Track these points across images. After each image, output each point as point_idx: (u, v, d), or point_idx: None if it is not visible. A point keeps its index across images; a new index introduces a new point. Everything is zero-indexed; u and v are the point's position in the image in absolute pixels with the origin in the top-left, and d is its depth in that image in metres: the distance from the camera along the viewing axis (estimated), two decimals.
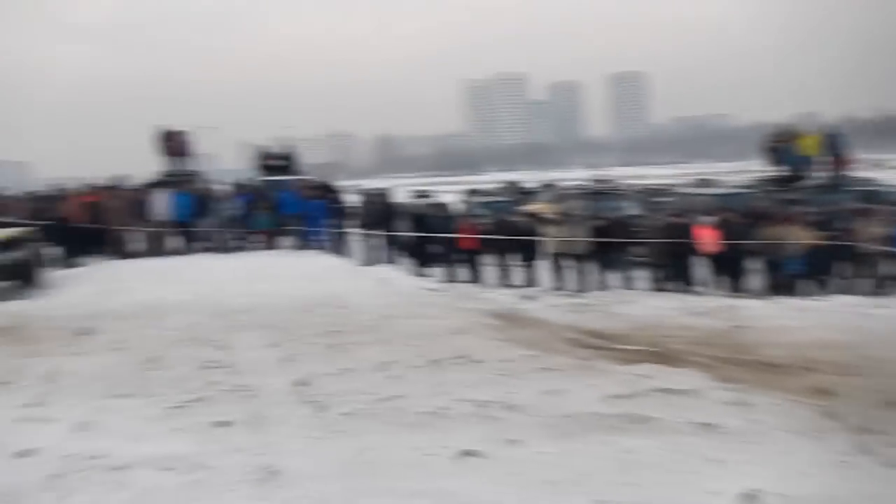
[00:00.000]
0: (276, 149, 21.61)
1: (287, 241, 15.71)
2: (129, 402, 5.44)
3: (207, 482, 3.79)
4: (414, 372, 6.20)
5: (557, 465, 4.13)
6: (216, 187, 16.36)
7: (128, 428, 4.82)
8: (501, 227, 13.23)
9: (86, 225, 14.46)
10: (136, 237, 15.07)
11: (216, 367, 6.40)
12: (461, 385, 5.75)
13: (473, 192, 31.28)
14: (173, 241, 15.26)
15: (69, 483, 3.74)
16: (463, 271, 13.50)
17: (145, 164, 20.95)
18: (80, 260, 14.13)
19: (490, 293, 11.36)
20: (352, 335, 7.69)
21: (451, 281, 13.19)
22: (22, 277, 11.18)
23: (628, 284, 11.64)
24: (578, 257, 11.91)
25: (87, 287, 10.68)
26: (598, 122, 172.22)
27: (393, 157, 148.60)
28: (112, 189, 15.97)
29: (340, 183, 19.47)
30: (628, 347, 7.04)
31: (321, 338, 7.55)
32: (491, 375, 6.04)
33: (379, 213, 15.16)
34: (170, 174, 19.09)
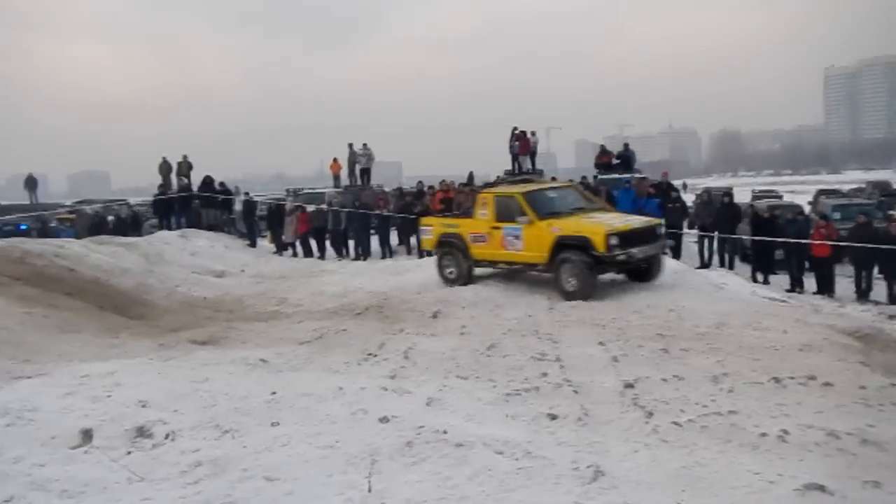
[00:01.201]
0: (612, 147, 21.73)
1: None
2: (470, 384, 5.94)
3: (537, 472, 3.95)
4: (752, 388, 5.68)
5: None
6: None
7: (469, 408, 5.24)
8: (863, 233, 11.49)
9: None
10: None
11: (547, 360, 6.63)
12: (808, 409, 5.12)
13: (829, 193, 27.56)
14: None
15: (419, 452, 4.20)
16: (812, 281, 12.07)
17: (498, 163, 22.91)
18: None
19: (845, 308, 9.94)
20: (683, 341, 7.35)
21: (798, 291, 11.89)
22: (649, 269, 10.36)
23: None
24: None
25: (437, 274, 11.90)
26: None
27: (737, 154, 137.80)
28: (464, 186, 17.68)
29: (678, 181, 18.75)
30: None
31: (651, 341, 7.36)
32: (845, 403, 5.25)
33: (718, 213, 14.25)
34: (514, 172, 20.50)
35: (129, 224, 19.49)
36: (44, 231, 20.37)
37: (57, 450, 4.38)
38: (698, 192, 18.67)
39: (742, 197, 24.55)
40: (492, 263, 10.77)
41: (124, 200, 26.27)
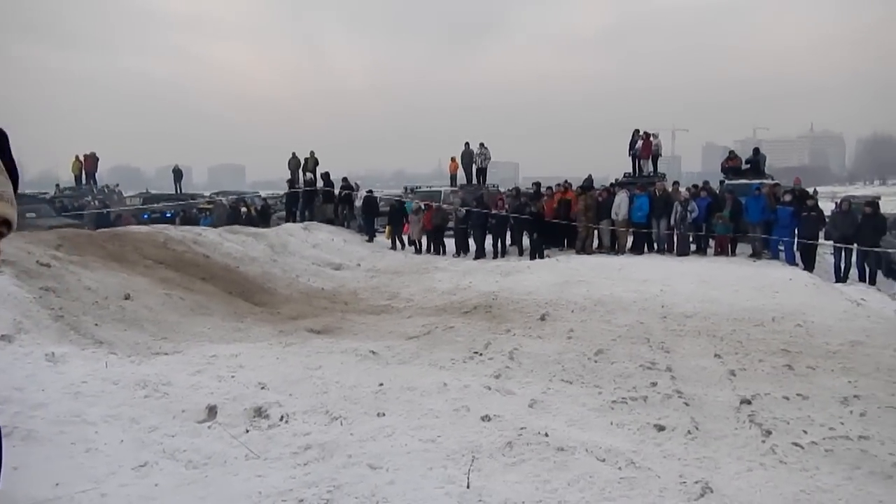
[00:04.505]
0: (743, 152, 20.68)
1: (747, 248, 14.89)
2: (575, 389, 5.84)
3: (640, 483, 3.82)
4: (888, 413, 5.24)
5: None
6: (677, 190, 16.40)
7: (572, 413, 5.16)
8: None
9: (556, 220, 16.14)
10: (598, 234, 16.15)
11: (657, 369, 6.41)
12: None
13: None
14: (631, 241, 15.87)
15: (520, 453, 4.17)
16: None
17: (618, 166, 22.48)
18: (549, 251, 15.83)
19: None
20: (810, 358, 6.90)
21: None
22: None
23: None
24: None
25: (551, 276, 11.81)
26: None
27: (888, 161, 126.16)
28: (582, 189, 17.41)
29: (810, 189, 17.54)
30: None
31: (773, 356, 6.96)
32: None
33: (860, 224, 13.20)
34: (634, 176, 19.99)
35: (259, 215, 20.74)
36: (186, 219, 22.07)
37: (185, 423, 4.71)
38: (837, 200, 17.38)
39: (892, 208, 22.58)
40: None
41: (256, 193, 27.92)
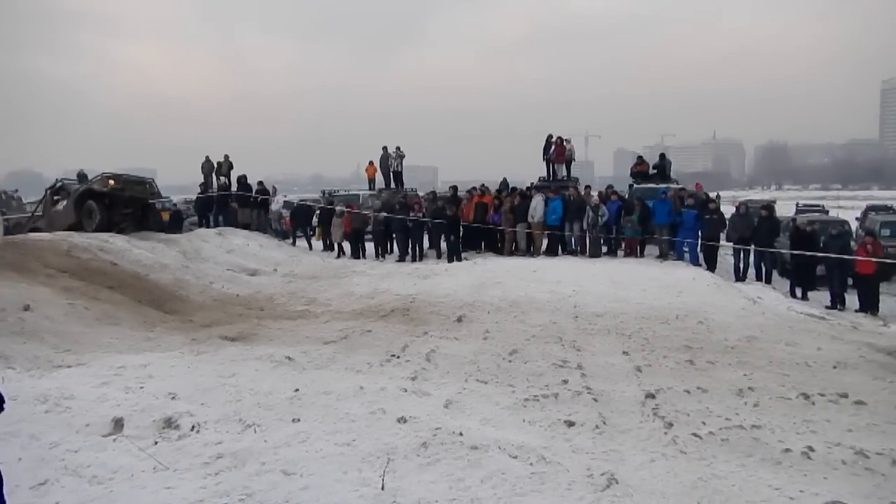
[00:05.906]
0: (651, 157, 21.58)
1: (655, 250, 15.52)
2: (490, 389, 5.97)
3: (550, 477, 3.95)
4: (779, 403, 5.63)
5: None
6: (589, 194, 16.92)
7: (486, 412, 5.28)
8: None
9: (473, 224, 16.37)
10: (515, 237, 16.47)
11: (568, 367, 6.64)
12: (837, 427, 5.06)
13: (879, 210, 26.85)
14: (545, 243, 16.25)
15: (434, 453, 4.24)
16: (854, 298, 11.77)
17: (533, 170, 23.01)
18: (466, 254, 16.03)
19: (888, 327, 9.64)
20: (710, 353, 7.30)
21: (839, 308, 11.60)
22: None
23: None
24: None
25: (468, 279, 11.96)
26: None
27: (783, 167, 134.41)
28: (499, 192, 17.71)
29: (712, 193, 18.52)
30: None
31: (677, 352, 7.32)
32: (878, 422, 5.18)
33: (757, 226, 14.02)
34: (548, 180, 20.49)
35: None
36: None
37: (90, 437, 4.54)
38: (736, 204, 18.43)
39: (786, 211, 24.12)
40: None
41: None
